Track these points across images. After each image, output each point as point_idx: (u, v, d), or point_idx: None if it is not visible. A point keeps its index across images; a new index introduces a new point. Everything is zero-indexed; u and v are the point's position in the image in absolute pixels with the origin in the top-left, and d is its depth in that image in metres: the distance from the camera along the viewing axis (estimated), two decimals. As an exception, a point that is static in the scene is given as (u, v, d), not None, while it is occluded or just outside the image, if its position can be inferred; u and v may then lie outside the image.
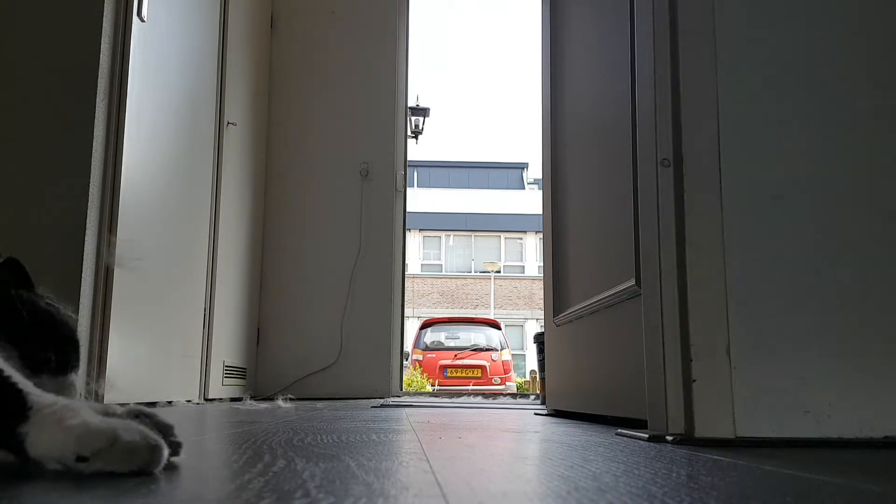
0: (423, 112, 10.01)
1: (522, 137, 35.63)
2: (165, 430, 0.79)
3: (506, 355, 13.84)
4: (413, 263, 23.61)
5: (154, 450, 0.70)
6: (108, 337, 2.41)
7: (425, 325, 14.59)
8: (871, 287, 1.34)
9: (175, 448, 0.79)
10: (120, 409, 0.78)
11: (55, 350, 0.87)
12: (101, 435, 0.68)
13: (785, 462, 0.97)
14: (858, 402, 1.29)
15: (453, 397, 4.59)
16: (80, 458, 0.67)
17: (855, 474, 0.88)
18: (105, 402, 1.70)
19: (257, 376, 4.35)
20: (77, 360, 0.90)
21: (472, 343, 14.15)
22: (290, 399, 3.95)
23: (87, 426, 0.68)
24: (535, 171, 25.80)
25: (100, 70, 2.42)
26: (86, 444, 0.67)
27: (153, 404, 2.60)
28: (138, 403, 0.86)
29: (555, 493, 0.67)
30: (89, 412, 0.71)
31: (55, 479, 0.67)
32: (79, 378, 0.90)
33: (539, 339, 3.38)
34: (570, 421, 2.10)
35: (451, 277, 24.22)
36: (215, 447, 1.14)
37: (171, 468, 0.75)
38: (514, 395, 5.30)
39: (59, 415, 0.69)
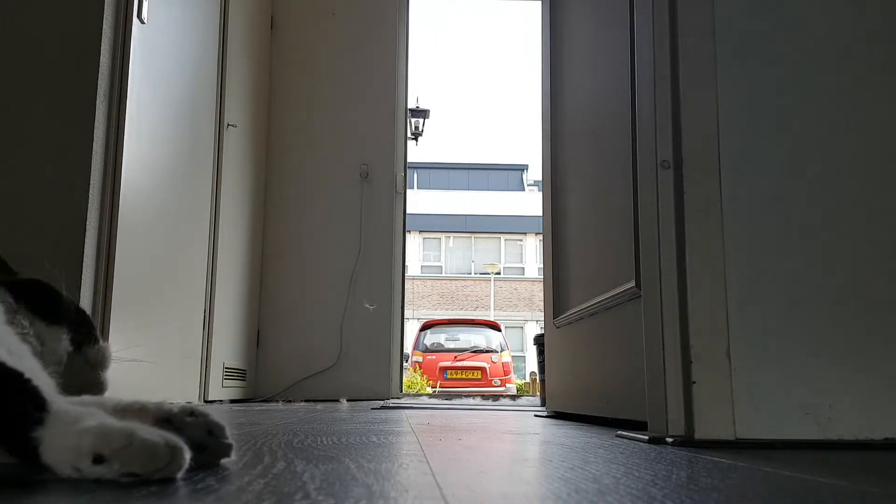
0: (423, 114, 10.02)
1: (522, 139, 35.63)
2: (218, 430, 0.76)
3: (506, 357, 13.82)
4: (413, 265, 23.60)
5: (175, 451, 0.65)
6: (107, 338, 2.41)
7: (425, 327, 14.58)
8: (870, 288, 1.34)
9: (226, 450, 0.77)
10: (176, 407, 0.76)
11: (80, 327, 0.97)
12: (120, 433, 0.65)
13: (785, 464, 0.97)
14: (858, 404, 1.29)
15: (453, 399, 4.59)
16: (98, 459, 0.64)
17: (855, 476, 0.88)
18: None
19: (257, 378, 4.35)
20: (94, 329, 1.03)
21: (472, 345, 14.13)
22: (290, 401, 3.96)
23: (105, 425, 0.65)
24: (534, 172, 25.80)
25: (100, 71, 2.42)
26: (104, 442, 0.64)
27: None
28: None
29: (555, 494, 0.67)
30: (106, 416, 0.69)
31: (55, 482, 0.67)
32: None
33: (539, 340, 3.38)
34: (570, 423, 2.10)
35: (451, 279, 24.22)
36: (215, 449, 1.13)
37: (221, 470, 0.75)
38: (512, 397, 5.30)
39: (75, 416, 0.66)
